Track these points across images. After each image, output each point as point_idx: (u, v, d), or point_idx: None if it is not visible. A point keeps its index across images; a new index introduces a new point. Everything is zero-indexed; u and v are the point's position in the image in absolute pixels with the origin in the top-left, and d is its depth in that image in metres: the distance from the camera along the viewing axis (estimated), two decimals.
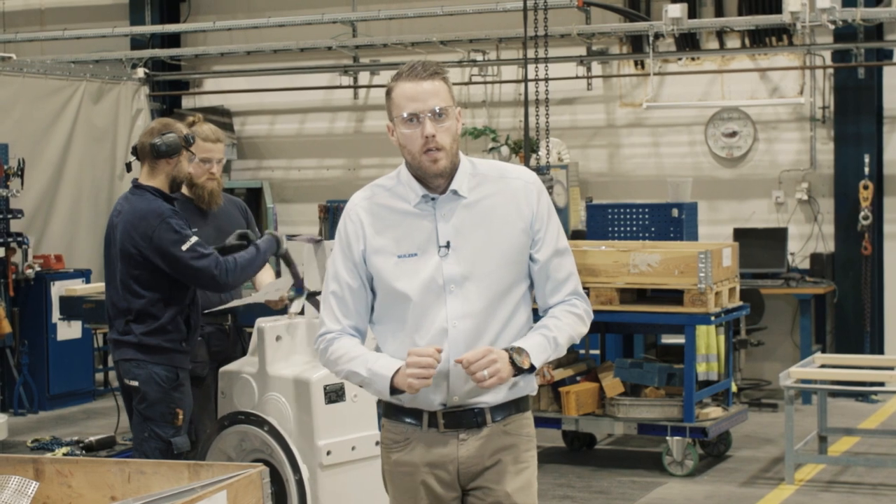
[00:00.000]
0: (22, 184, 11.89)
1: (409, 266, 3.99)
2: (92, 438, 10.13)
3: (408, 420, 4.08)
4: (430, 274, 3.98)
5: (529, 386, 4.12)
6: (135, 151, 6.53)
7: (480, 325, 3.99)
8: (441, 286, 3.98)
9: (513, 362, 3.90)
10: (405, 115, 3.94)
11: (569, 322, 4.09)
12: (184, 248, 6.26)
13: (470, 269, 3.98)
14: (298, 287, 6.99)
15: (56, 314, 11.11)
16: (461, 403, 4.02)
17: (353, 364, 4.01)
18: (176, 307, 6.42)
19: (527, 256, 4.07)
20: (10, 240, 11.74)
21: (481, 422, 4.04)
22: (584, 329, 4.15)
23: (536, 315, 4.17)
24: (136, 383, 6.40)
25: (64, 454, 9.82)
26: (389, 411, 4.14)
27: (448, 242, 3.99)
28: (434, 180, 3.99)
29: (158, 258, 6.30)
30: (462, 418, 4.03)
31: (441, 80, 3.98)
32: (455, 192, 4.02)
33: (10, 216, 11.80)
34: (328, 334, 4.10)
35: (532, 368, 3.95)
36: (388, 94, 4.00)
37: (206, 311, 6.80)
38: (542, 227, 4.07)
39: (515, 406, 4.11)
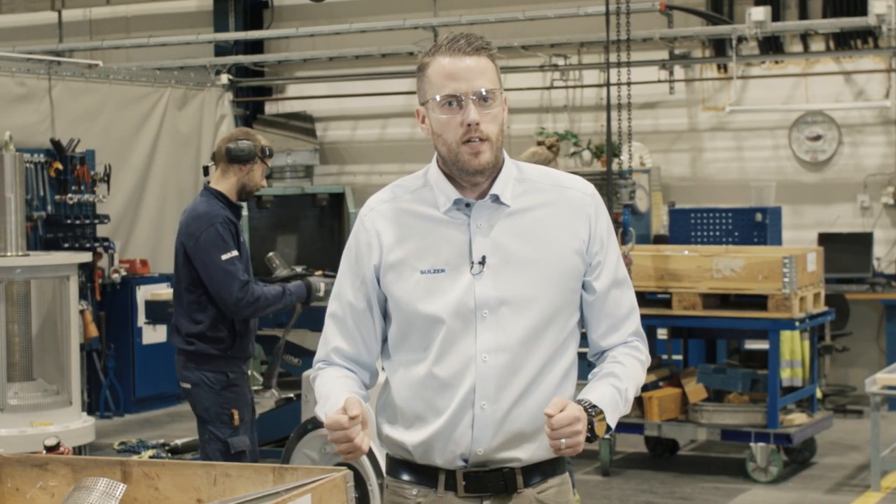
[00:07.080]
0: (108, 189, 12.04)
1: (435, 285, 3.28)
2: (177, 441, 10.23)
3: (418, 480, 3.38)
4: (458, 295, 3.26)
5: None
6: (214, 156, 6.61)
7: (516, 361, 3.26)
8: (472, 310, 3.26)
9: (590, 427, 3.16)
10: (443, 96, 3.24)
11: (635, 370, 3.38)
12: (223, 257, 6.26)
13: (508, 293, 3.26)
14: (266, 385, 6.99)
15: (141, 318, 11.29)
16: (487, 459, 3.29)
17: (320, 407, 3.36)
18: (216, 312, 6.36)
19: (579, 284, 3.35)
20: (96, 245, 11.88)
21: (511, 486, 3.30)
22: (644, 379, 3.44)
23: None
24: (188, 386, 6.46)
25: (150, 457, 9.92)
26: (394, 468, 3.46)
27: (483, 258, 3.27)
28: (472, 179, 3.29)
29: (197, 260, 6.30)
30: (487, 481, 3.30)
31: (488, 58, 3.27)
32: (496, 199, 3.31)
33: (96, 221, 11.95)
34: (318, 364, 3.48)
35: (606, 431, 3.21)
36: (422, 70, 3.30)
37: None
38: (600, 249, 3.36)
39: (552, 467, 3.36)
